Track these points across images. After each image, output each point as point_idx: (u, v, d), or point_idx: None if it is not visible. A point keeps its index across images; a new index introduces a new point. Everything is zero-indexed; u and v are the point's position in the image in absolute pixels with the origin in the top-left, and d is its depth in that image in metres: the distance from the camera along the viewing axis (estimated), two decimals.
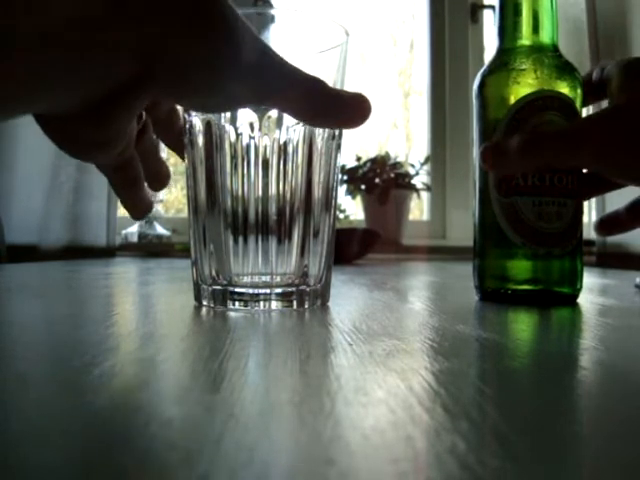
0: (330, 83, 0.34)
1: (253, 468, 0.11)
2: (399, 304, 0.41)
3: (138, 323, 0.32)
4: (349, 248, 1.05)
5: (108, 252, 1.23)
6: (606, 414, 0.15)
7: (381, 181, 1.40)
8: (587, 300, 0.45)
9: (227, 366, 0.20)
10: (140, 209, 0.34)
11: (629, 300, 0.46)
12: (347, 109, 0.27)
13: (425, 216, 1.65)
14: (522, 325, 0.33)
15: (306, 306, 0.35)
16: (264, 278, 0.34)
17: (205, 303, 0.35)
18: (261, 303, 0.34)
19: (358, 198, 1.46)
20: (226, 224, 0.33)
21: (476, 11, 1.62)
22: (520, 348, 0.24)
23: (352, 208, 1.52)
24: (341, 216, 1.46)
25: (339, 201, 1.47)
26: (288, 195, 0.33)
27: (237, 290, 0.34)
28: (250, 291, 0.34)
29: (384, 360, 0.21)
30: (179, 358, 0.22)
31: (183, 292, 0.33)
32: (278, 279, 0.34)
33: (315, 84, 0.26)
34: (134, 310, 0.38)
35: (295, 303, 0.34)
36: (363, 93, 0.28)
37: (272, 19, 0.32)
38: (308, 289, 0.35)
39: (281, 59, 0.25)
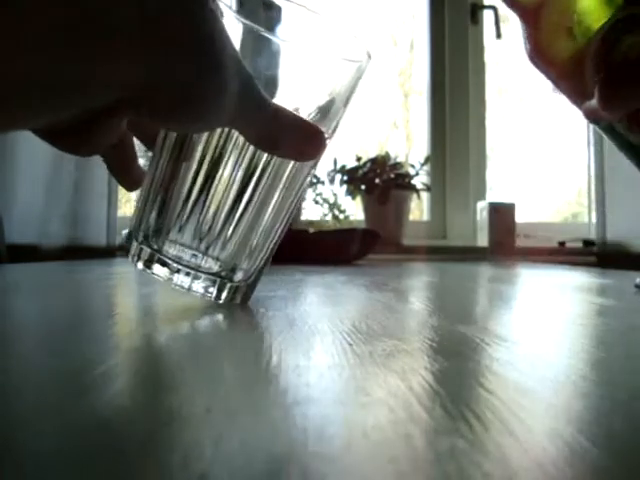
0: (336, 103, 0.32)
1: (253, 468, 0.11)
2: (399, 304, 0.41)
3: (139, 323, 0.32)
4: (349, 248, 1.05)
5: (108, 252, 1.23)
6: (606, 414, 0.15)
7: (381, 181, 1.40)
8: (587, 300, 0.45)
9: (227, 365, 0.20)
10: (134, 182, 0.34)
11: (629, 300, 0.46)
12: (302, 145, 0.29)
13: (425, 216, 1.65)
14: (522, 325, 0.33)
15: (222, 298, 0.34)
16: (195, 257, 0.33)
17: (129, 259, 0.34)
18: (181, 279, 0.33)
19: (358, 198, 1.46)
20: (182, 188, 0.32)
21: (476, 11, 1.62)
22: (520, 348, 0.24)
23: (352, 208, 1.52)
24: (341, 216, 1.46)
25: (339, 201, 1.47)
26: (253, 182, 0.32)
27: (163, 259, 0.33)
28: (174, 265, 0.33)
29: (384, 360, 0.21)
30: (179, 358, 0.22)
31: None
32: (208, 263, 0.33)
33: (281, 119, 0.27)
34: (134, 310, 0.38)
35: (214, 293, 0.33)
36: (320, 129, 0.29)
37: (293, 16, 0.32)
38: (230, 284, 0.34)
39: (257, 89, 0.25)
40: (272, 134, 0.27)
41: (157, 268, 0.33)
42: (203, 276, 0.33)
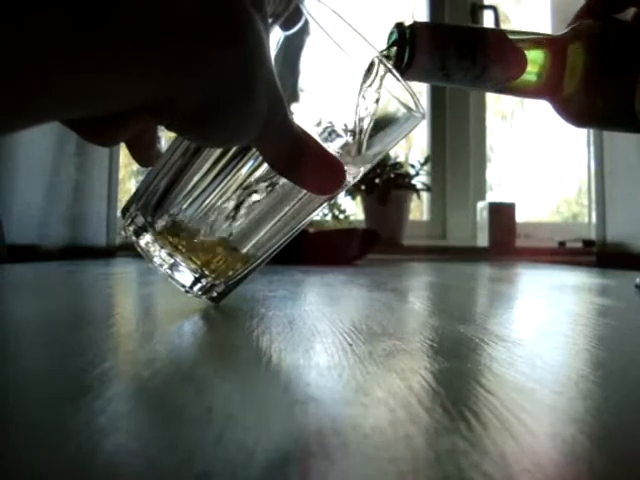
0: (375, 146, 0.31)
1: (253, 468, 0.11)
2: (399, 304, 0.41)
3: (138, 323, 0.32)
4: (349, 249, 1.05)
5: (108, 252, 1.22)
6: (607, 415, 0.15)
7: (381, 181, 1.40)
8: (587, 300, 0.45)
9: (227, 365, 0.20)
10: (148, 161, 0.33)
11: (629, 300, 0.45)
12: (317, 177, 0.28)
13: (425, 216, 1.65)
14: (522, 325, 0.33)
15: (194, 290, 0.33)
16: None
17: (122, 221, 0.33)
18: (162, 259, 0.32)
19: (358, 198, 1.46)
20: (195, 174, 0.31)
21: (476, 11, 1.62)
22: (520, 348, 0.24)
23: (352, 208, 1.52)
24: (341, 216, 1.46)
25: (339, 201, 1.47)
26: (265, 191, 0.31)
27: (151, 234, 0.32)
28: (158, 244, 0.32)
29: (384, 360, 0.21)
30: (179, 358, 0.22)
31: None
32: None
33: (304, 146, 0.26)
34: (134, 310, 0.38)
35: (188, 284, 0.32)
36: (342, 166, 0.28)
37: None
38: (207, 280, 0.33)
39: (284, 112, 0.24)
40: (290, 159, 0.26)
41: (144, 239, 0.32)
42: (183, 264, 0.32)
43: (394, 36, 0.34)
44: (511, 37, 0.36)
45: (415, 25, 0.34)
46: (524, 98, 0.40)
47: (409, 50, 0.34)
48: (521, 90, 0.38)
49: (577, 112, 0.39)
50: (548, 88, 0.38)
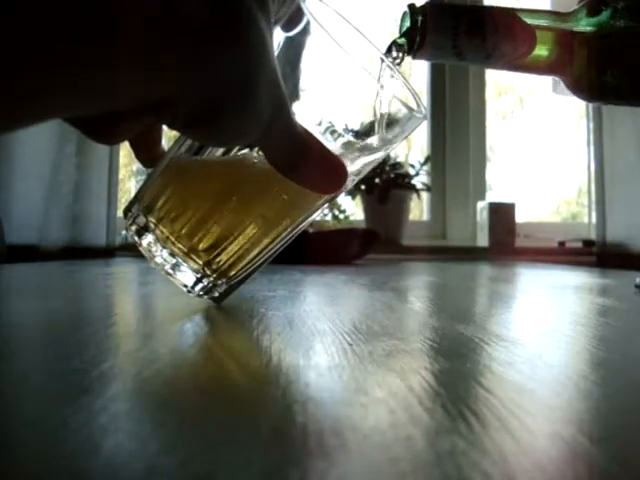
0: (376, 145, 0.31)
1: (253, 468, 0.11)
2: (399, 304, 0.41)
3: (138, 323, 0.32)
4: (349, 248, 1.05)
5: (108, 252, 1.23)
6: (607, 415, 0.15)
7: (381, 181, 1.40)
8: (587, 300, 0.45)
9: (227, 366, 0.20)
10: (152, 161, 0.33)
11: (629, 300, 0.45)
12: (319, 175, 0.28)
13: (425, 216, 1.65)
14: (522, 325, 0.33)
15: (195, 290, 0.33)
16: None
17: (124, 221, 0.33)
18: (163, 259, 0.32)
19: (358, 198, 1.46)
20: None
21: None
22: (520, 348, 0.24)
23: (352, 208, 1.52)
24: (341, 216, 1.46)
25: (339, 201, 1.47)
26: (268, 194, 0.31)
27: (153, 234, 0.32)
28: (160, 244, 0.32)
29: (384, 360, 0.21)
30: (179, 358, 0.22)
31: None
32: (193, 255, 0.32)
33: (306, 145, 0.26)
34: (134, 310, 0.38)
35: (190, 283, 0.32)
36: (344, 165, 0.28)
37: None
38: (208, 280, 0.32)
39: (287, 115, 0.24)
40: (293, 158, 0.26)
41: (146, 239, 0.32)
42: (185, 264, 0.32)
43: (406, 17, 0.35)
44: (520, 14, 0.36)
45: (426, 5, 0.35)
46: (536, 75, 0.40)
47: (420, 30, 0.34)
48: (533, 67, 0.38)
49: (589, 87, 0.39)
50: (559, 63, 0.38)
